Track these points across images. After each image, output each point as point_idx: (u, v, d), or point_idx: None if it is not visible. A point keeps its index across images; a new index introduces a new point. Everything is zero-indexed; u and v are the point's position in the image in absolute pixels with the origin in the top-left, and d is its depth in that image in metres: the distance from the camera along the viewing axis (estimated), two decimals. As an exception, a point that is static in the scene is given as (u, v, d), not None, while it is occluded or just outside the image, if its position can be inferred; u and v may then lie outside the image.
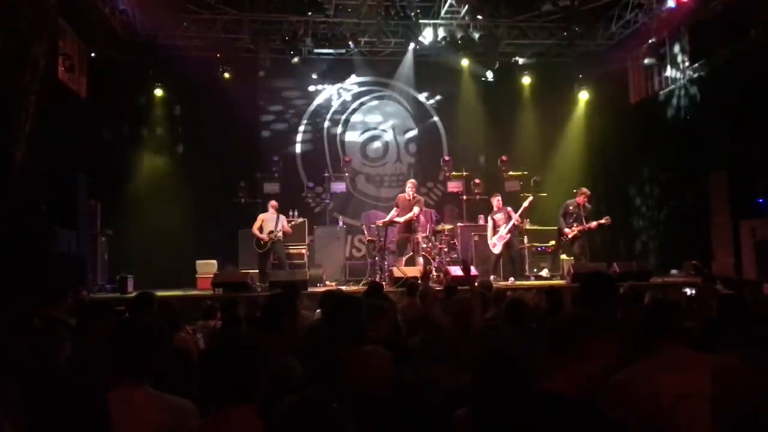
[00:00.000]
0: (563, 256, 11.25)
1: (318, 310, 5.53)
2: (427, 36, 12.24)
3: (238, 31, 12.16)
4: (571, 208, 10.26)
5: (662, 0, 10.99)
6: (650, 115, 12.64)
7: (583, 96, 13.66)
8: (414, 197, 10.39)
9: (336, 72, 13.66)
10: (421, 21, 11.97)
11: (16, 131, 7.96)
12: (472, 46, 12.48)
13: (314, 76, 13.55)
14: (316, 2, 11.25)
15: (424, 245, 10.57)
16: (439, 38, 12.31)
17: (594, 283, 3.36)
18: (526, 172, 12.64)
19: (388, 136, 14.15)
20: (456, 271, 9.73)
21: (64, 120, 9.98)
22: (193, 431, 2.15)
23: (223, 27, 12.08)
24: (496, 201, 11.03)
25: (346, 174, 12.96)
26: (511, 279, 10.49)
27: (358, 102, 14.16)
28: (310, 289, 9.27)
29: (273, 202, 10.90)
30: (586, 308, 3.36)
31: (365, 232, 11.62)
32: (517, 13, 12.23)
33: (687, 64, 11.40)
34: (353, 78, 13.87)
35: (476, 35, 12.33)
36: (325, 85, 13.89)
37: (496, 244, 10.77)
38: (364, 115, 14.17)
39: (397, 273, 9.56)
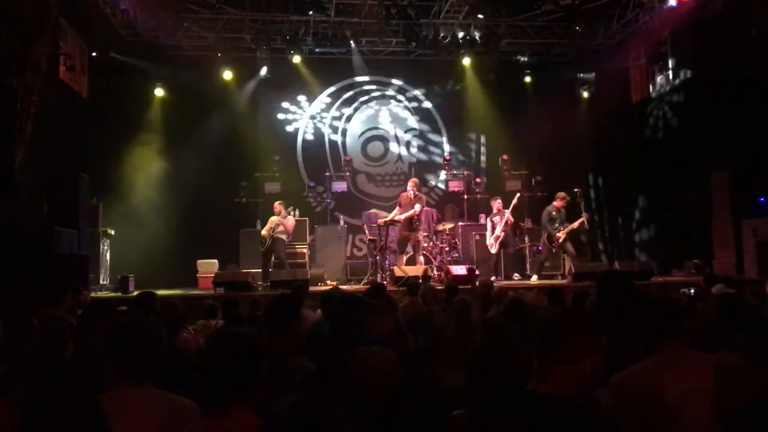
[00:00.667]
0: (564, 256, 11.24)
1: (319, 310, 5.52)
2: (428, 35, 12.23)
3: (238, 30, 12.17)
4: (553, 213, 10.53)
5: (663, -1, 11.00)
6: (651, 113, 12.63)
7: (584, 95, 13.65)
8: (416, 195, 10.39)
9: (337, 71, 13.66)
10: (421, 20, 11.97)
11: (18, 131, 7.98)
12: (473, 46, 12.48)
13: (315, 76, 13.55)
14: (317, 2, 11.26)
15: (425, 244, 10.58)
16: (440, 38, 12.31)
17: (612, 283, 3.35)
18: (526, 172, 12.65)
19: (389, 136, 14.15)
20: (457, 270, 9.74)
21: (65, 120, 10.00)
22: (192, 431, 2.15)
23: (224, 27, 12.08)
24: (497, 204, 11.16)
25: (347, 173, 12.96)
26: (516, 276, 10.62)
27: (359, 101, 14.16)
28: (311, 289, 9.26)
29: (275, 204, 10.98)
30: (604, 308, 3.35)
31: (366, 231, 11.63)
32: (517, 13, 12.22)
33: (687, 64, 11.40)
34: (354, 77, 13.87)
35: (477, 35, 12.33)
36: (326, 85, 13.89)
37: (492, 244, 11.00)
38: (365, 114, 14.17)
39: (398, 272, 9.56)
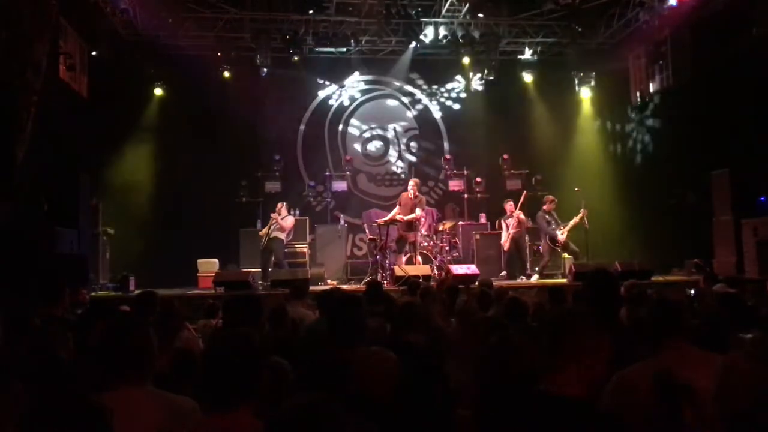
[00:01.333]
0: (564, 255, 11.26)
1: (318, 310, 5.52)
2: (428, 34, 12.23)
3: (239, 30, 12.16)
4: (547, 217, 10.70)
5: (663, -2, 10.98)
6: (651, 113, 12.62)
7: (585, 94, 13.64)
8: (416, 196, 10.39)
9: (337, 71, 13.65)
10: (422, 19, 11.96)
11: (18, 130, 7.97)
12: (473, 45, 12.48)
13: (315, 75, 13.54)
14: (317, 1, 11.25)
15: (425, 243, 10.59)
16: (440, 37, 12.31)
17: (597, 281, 3.36)
18: (527, 171, 12.65)
19: (389, 135, 14.15)
20: (458, 269, 9.74)
21: (65, 119, 9.98)
22: (192, 431, 2.15)
23: (224, 26, 12.07)
24: (509, 206, 11.27)
25: (348, 173, 12.97)
26: (522, 278, 10.67)
27: (359, 101, 14.16)
28: (311, 288, 9.26)
29: (278, 204, 11.01)
30: (589, 307, 3.36)
31: (366, 230, 11.63)
32: (518, 12, 12.22)
33: (687, 63, 11.38)
34: (354, 77, 13.87)
35: (477, 34, 12.33)
36: (326, 84, 13.88)
37: (506, 241, 11.09)
38: (365, 113, 14.16)
39: (398, 272, 9.56)
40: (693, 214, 11.00)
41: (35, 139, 8.34)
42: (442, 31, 12.26)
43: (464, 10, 11.89)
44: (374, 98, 14.18)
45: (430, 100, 14.27)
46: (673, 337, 2.60)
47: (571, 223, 10.46)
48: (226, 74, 12.55)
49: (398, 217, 10.29)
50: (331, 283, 10.40)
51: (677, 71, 11.83)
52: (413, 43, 12.56)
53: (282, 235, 10.80)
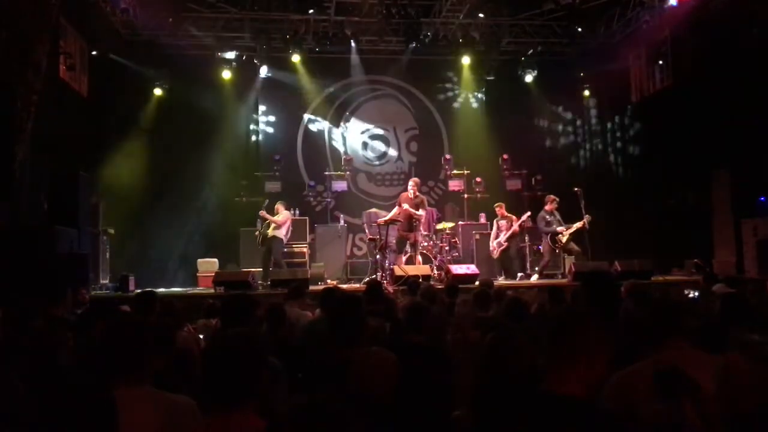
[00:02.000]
0: (564, 255, 11.26)
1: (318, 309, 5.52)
2: (428, 34, 12.22)
3: (239, 29, 12.16)
4: (548, 217, 10.70)
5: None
6: (652, 113, 12.62)
7: (585, 94, 13.64)
8: (416, 196, 10.38)
9: (337, 70, 13.64)
10: (422, 19, 11.96)
11: (18, 130, 7.97)
12: (473, 45, 12.47)
13: (315, 75, 13.54)
14: (317, 1, 11.25)
15: (425, 243, 10.58)
16: (440, 37, 12.30)
17: (594, 282, 3.36)
18: (527, 171, 12.65)
19: (389, 135, 14.14)
20: (457, 269, 9.74)
21: (65, 119, 9.99)
22: (192, 430, 2.15)
23: (224, 26, 12.07)
24: (500, 210, 11.31)
25: (347, 172, 12.96)
26: (520, 275, 10.72)
27: (359, 100, 14.14)
28: (311, 288, 9.26)
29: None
30: (586, 306, 3.37)
31: (366, 230, 11.62)
32: (518, 12, 12.22)
33: (687, 63, 11.39)
34: (354, 76, 13.85)
35: (477, 34, 12.32)
36: (326, 84, 13.87)
37: (495, 248, 11.11)
38: (365, 113, 14.15)
39: (398, 271, 9.56)
40: (693, 214, 11.00)
41: (35, 138, 8.35)
42: (442, 31, 12.26)
43: (465, 10, 11.88)
44: (374, 98, 14.17)
45: (430, 100, 14.26)
46: (674, 337, 2.60)
47: (573, 227, 10.45)
48: (226, 74, 12.55)
49: (404, 206, 10.21)
50: (331, 283, 10.39)
51: (677, 71, 11.83)
52: (413, 43, 12.56)
53: (281, 234, 10.79)
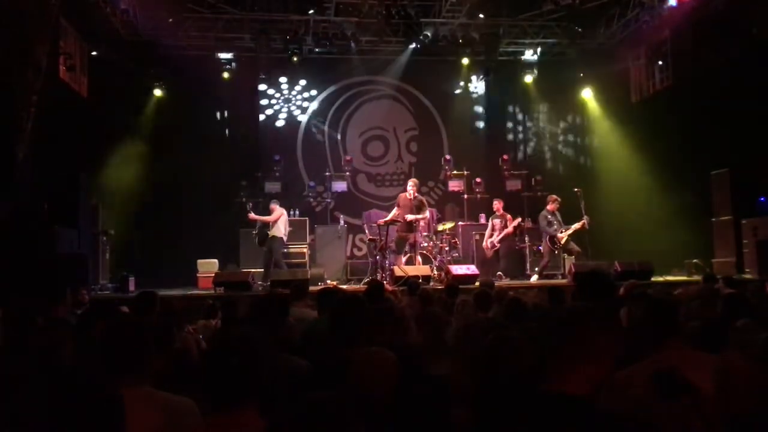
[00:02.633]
0: (564, 255, 11.26)
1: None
2: (428, 35, 12.22)
3: (239, 30, 12.17)
4: (549, 217, 10.68)
5: (663, -2, 10.99)
6: (652, 113, 12.63)
7: (585, 94, 13.65)
8: (415, 197, 10.38)
9: (337, 71, 13.65)
10: (422, 20, 11.96)
11: (18, 130, 7.98)
12: (473, 45, 12.47)
13: (315, 75, 13.54)
14: (317, 1, 11.25)
15: (425, 244, 10.58)
16: (440, 37, 12.30)
17: (591, 282, 3.36)
18: (527, 171, 12.65)
19: (389, 135, 14.14)
20: (457, 269, 9.74)
21: (65, 119, 9.99)
22: (192, 431, 2.15)
23: (224, 26, 12.08)
24: (497, 205, 11.30)
25: (347, 173, 12.96)
26: (498, 273, 10.76)
27: (359, 101, 14.15)
28: (311, 288, 9.25)
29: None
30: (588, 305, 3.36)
31: (366, 231, 11.62)
32: (518, 12, 12.23)
33: (687, 63, 11.39)
34: (354, 77, 13.86)
35: (477, 34, 12.33)
36: (326, 84, 13.88)
37: (488, 247, 11.13)
38: (365, 114, 14.15)
39: (398, 272, 9.55)
40: (693, 214, 10.99)
41: (35, 139, 8.35)
42: (442, 32, 12.26)
43: (465, 11, 11.88)
44: (374, 98, 14.17)
45: (430, 101, 14.26)
46: (673, 337, 2.60)
47: (572, 228, 10.46)
48: (226, 74, 12.54)
49: (407, 217, 10.21)
50: (330, 284, 10.38)
51: (677, 71, 11.84)
52: (413, 44, 12.56)
53: (280, 233, 10.77)
